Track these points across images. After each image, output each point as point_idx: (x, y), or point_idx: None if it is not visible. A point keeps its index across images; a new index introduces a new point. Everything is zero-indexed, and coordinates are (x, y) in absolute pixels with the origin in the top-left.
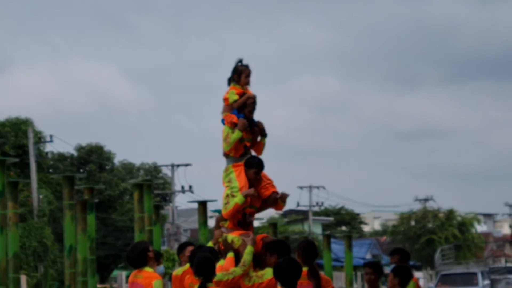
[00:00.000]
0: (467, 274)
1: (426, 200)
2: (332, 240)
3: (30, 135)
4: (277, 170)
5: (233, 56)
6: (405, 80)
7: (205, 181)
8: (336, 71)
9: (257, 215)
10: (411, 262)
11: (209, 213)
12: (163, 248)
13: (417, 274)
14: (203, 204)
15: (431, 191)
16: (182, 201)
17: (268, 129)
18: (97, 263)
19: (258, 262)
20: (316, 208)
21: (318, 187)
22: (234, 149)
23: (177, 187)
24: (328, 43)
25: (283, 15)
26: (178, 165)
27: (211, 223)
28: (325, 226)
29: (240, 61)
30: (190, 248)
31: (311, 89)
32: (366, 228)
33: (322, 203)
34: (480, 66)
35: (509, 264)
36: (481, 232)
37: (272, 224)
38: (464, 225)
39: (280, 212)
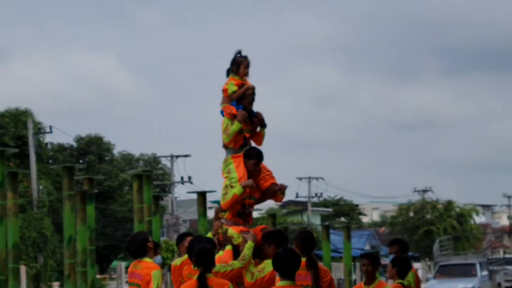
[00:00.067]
0: (466, 265)
1: (424, 191)
2: (331, 231)
3: (30, 126)
4: (276, 161)
5: (232, 47)
6: (404, 71)
7: (204, 172)
8: (335, 62)
9: (256, 206)
10: (410, 253)
11: (208, 204)
12: (162, 238)
13: (416, 265)
14: (202, 195)
15: (430, 182)
16: (181, 192)
17: (267, 120)
18: (97, 254)
19: (257, 253)
20: (315, 199)
21: (317, 178)
22: (233, 141)
23: (177, 178)
24: (327, 34)
25: (283, 5)
26: (177, 156)
27: (210, 213)
28: (324, 217)
29: (239, 52)
30: (189, 239)
31: (310, 80)
32: (365, 219)
33: (321, 194)
34: (480, 57)
35: (507, 255)
36: (479, 223)
37: (271, 215)
38: (463, 216)
39: (279, 203)
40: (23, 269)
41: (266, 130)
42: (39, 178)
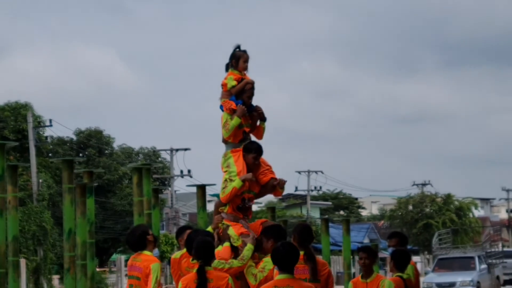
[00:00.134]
0: (464, 258)
1: (423, 184)
2: (330, 224)
3: (30, 119)
4: (276, 154)
5: (231, 41)
6: (403, 65)
7: (204, 165)
8: (334, 56)
9: (255, 200)
10: (409, 247)
11: (208, 197)
12: (162, 232)
13: (415, 258)
14: (201, 188)
15: (429, 176)
16: (181, 185)
17: (266, 114)
18: (96, 247)
19: (256, 247)
20: (314, 193)
21: (316, 172)
22: (233, 136)
23: (176, 171)
24: (327, 29)
25: (282, 0)
26: (177, 150)
27: (210, 207)
28: (323, 211)
29: (238, 46)
30: (188, 232)
31: (310, 74)
32: (364, 213)
33: (320, 188)
34: (479, 51)
35: (506, 249)
36: (478, 217)
37: (271, 208)
38: (462, 210)
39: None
40: (23, 262)
41: (266, 124)
42: (39, 171)
